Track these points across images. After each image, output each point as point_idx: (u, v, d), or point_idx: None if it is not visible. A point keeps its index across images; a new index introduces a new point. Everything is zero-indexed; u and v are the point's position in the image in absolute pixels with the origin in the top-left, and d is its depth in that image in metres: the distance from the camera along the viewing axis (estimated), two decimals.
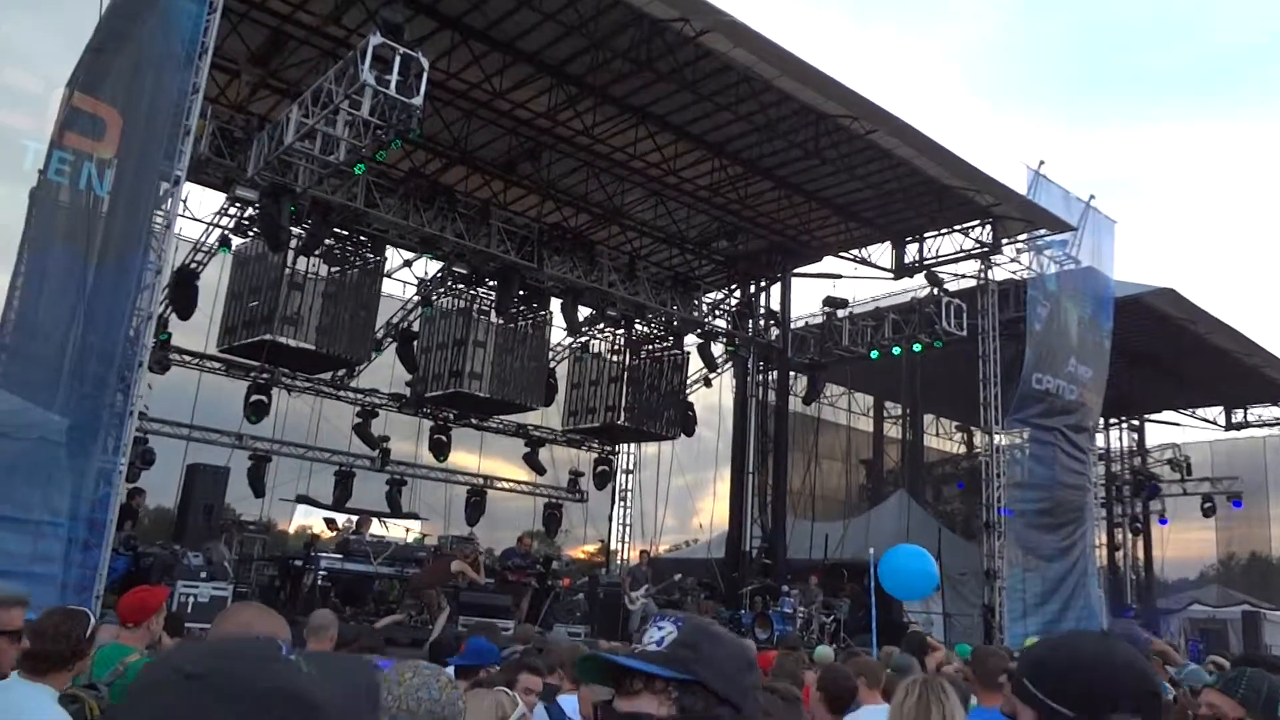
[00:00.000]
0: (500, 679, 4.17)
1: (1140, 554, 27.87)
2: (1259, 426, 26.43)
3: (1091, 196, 18.23)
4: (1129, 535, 27.67)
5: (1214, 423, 26.86)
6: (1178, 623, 24.91)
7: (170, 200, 9.76)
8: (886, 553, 9.05)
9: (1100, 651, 1.68)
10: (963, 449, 28.26)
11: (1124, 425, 28.05)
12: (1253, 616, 23.61)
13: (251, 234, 16.13)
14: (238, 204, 15.81)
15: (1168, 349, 22.19)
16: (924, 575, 8.67)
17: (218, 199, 16.15)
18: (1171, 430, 27.78)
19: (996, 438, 17.79)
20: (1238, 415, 26.50)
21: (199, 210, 16.47)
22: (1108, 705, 1.61)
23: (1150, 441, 28.30)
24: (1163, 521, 27.56)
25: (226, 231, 16.40)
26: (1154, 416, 27.79)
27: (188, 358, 17.96)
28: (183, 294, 16.42)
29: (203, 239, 16.83)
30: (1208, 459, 27.37)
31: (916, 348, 18.21)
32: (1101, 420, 23.56)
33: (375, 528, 15.48)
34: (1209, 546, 29.27)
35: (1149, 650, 5.42)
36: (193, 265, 16.78)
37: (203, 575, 11.13)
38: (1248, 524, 27.73)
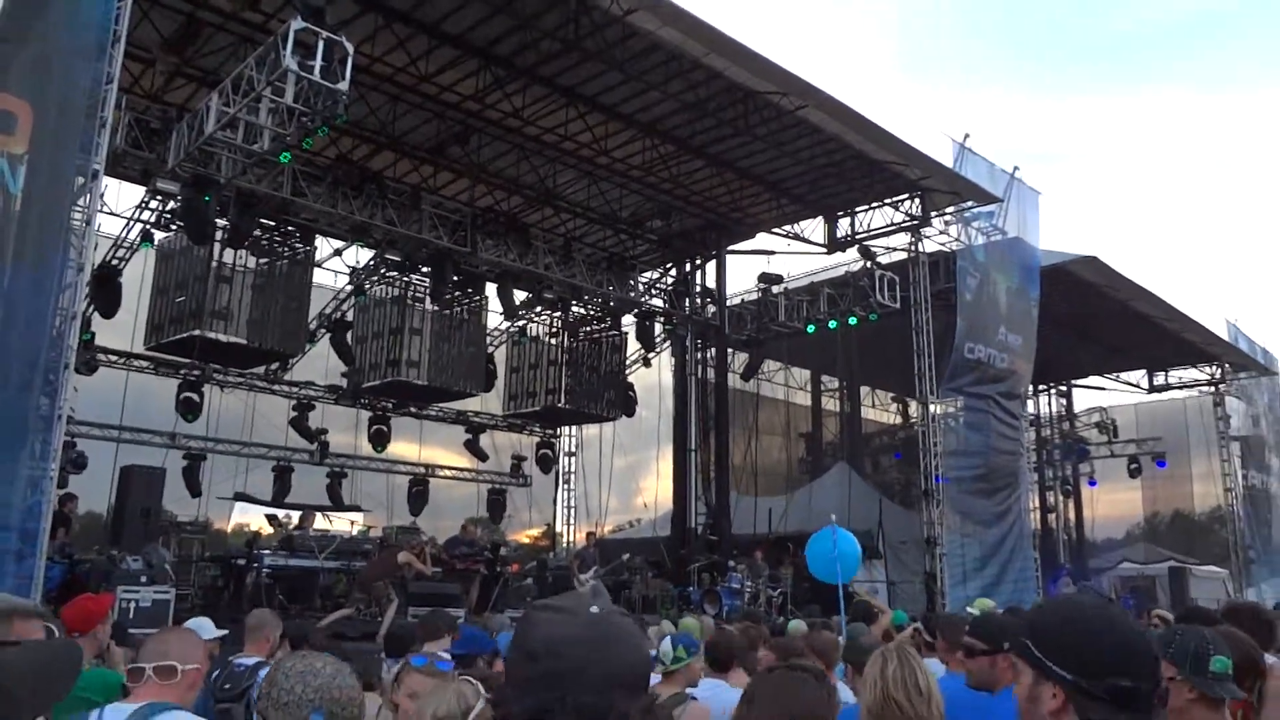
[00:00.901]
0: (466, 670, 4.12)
1: (1071, 515, 28.69)
2: (1179, 388, 27.28)
3: (1016, 168, 18.60)
4: (1060, 497, 28.46)
5: (1138, 386, 27.67)
6: (1108, 581, 25.67)
7: (88, 195, 9.42)
8: (810, 539, 8.88)
9: (1104, 619, 1.72)
10: (899, 419, 28.73)
11: (1053, 391, 28.80)
12: (1178, 572, 24.46)
13: (174, 228, 15.69)
14: (159, 197, 15.34)
15: (1093, 315, 22.74)
16: (848, 558, 8.52)
17: (138, 193, 15.66)
18: (1098, 394, 28.63)
19: (931, 407, 18.13)
20: (1159, 378, 27.31)
21: (118, 205, 15.94)
22: (1107, 670, 1.66)
23: (1078, 406, 29.14)
24: (1092, 483, 28.41)
25: (148, 226, 15.92)
26: (1081, 381, 28.55)
27: (114, 357, 17.48)
28: (105, 292, 15.92)
29: (124, 234, 16.31)
30: (1133, 421, 28.22)
31: (852, 321, 18.45)
32: (1031, 386, 24.13)
33: (319, 522, 15.27)
34: (1136, 506, 30.23)
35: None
36: (114, 262, 16.28)
37: (143, 579, 10.86)
38: (1171, 483, 28.66)
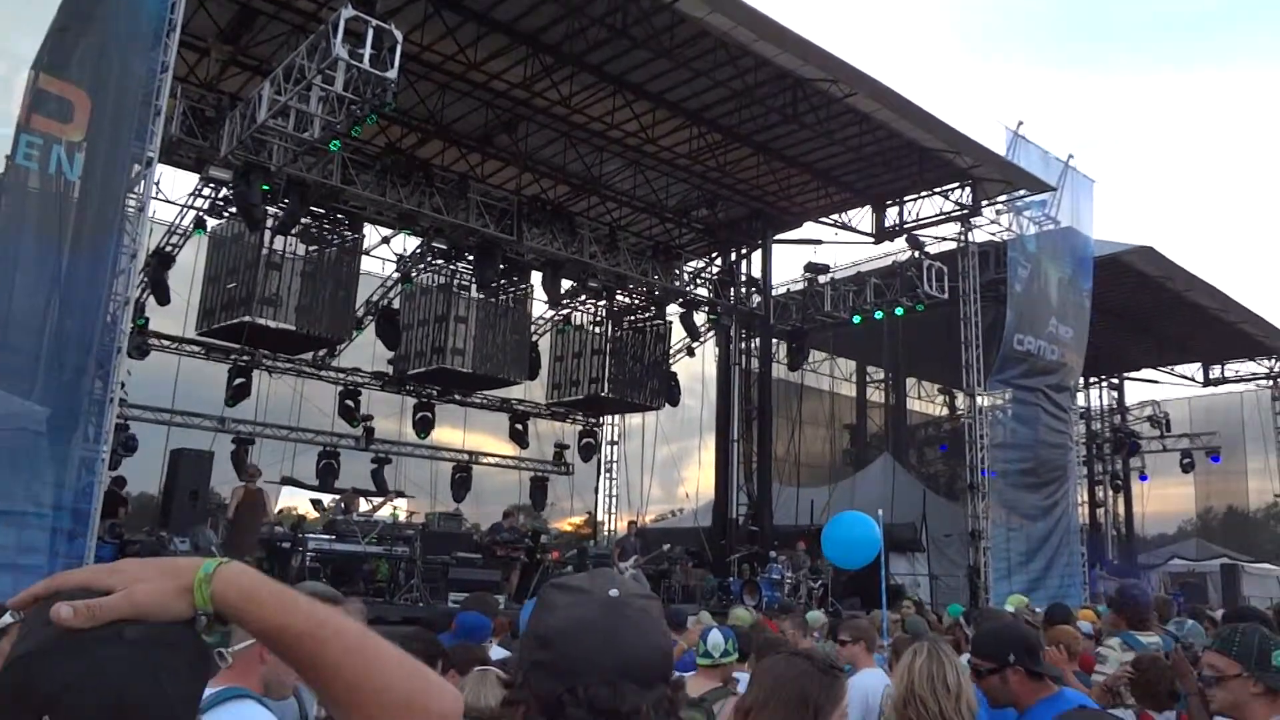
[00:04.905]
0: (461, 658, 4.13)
1: (1121, 510, 28.21)
2: (1236, 382, 26.72)
3: (1070, 156, 18.31)
4: (1110, 492, 27.99)
5: (1192, 379, 27.13)
6: (1158, 577, 25.23)
7: (143, 182, 9.59)
8: (828, 524, 8.78)
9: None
10: (945, 411, 28.42)
11: (1104, 384, 28.30)
12: (1231, 569, 23.95)
13: (227, 215, 15.92)
14: (212, 185, 15.58)
15: (1147, 307, 22.34)
16: (865, 543, 8.36)
17: (191, 180, 15.91)
18: (1151, 388, 28.09)
19: (979, 399, 17.88)
20: (1215, 371, 26.76)
21: (173, 192, 16.23)
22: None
23: (1130, 399, 28.62)
24: (1143, 478, 27.89)
25: (201, 213, 16.17)
26: (1133, 374, 28.04)
27: (166, 342, 17.78)
28: (160, 278, 16.21)
29: (177, 221, 16.59)
30: (1186, 415, 27.66)
31: (898, 311, 18.22)
32: (1082, 379, 23.72)
33: (363, 506, 15.40)
34: (1188, 501, 29.68)
35: (1149, 603, 5.52)
36: (168, 248, 16.56)
37: None
38: (1225, 478, 28.06)
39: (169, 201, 16.13)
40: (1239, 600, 19.92)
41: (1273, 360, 25.40)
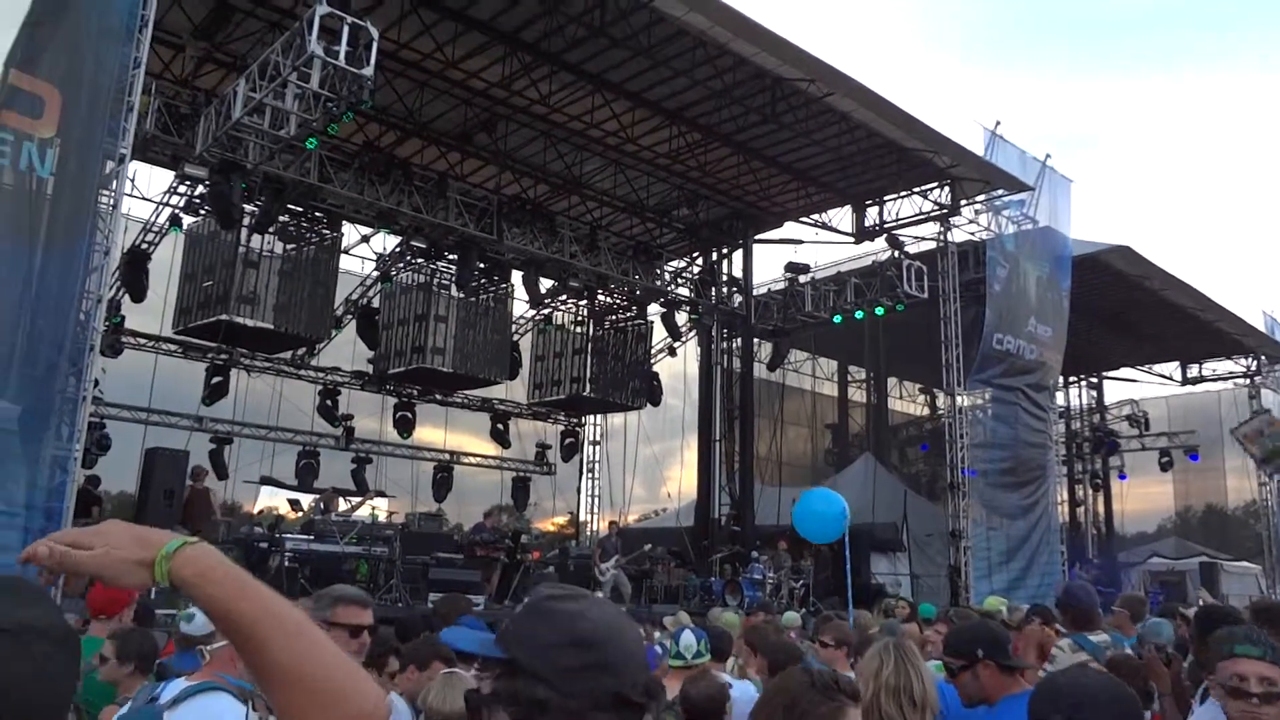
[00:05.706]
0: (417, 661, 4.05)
1: (1101, 509, 28.35)
2: (1213, 380, 26.88)
3: (1048, 156, 18.36)
4: (1090, 491, 28.11)
5: (1170, 378, 27.28)
6: (1137, 575, 25.37)
7: (116, 179, 9.51)
8: (800, 499, 9.10)
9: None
10: (926, 411, 28.51)
11: (1083, 383, 28.44)
12: (1209, 567, 24.08)
13: (203, 212, 15.81)
14: (187, 182, 15.48)
15: (1125, 306, 22.45)
16: (833, 519, 8.58)
17: (167, 177, 15.82)
18: (1129, 386, 28.26)
19: (959, 399, 17.92)
20: (1193, 370, 26.92)
21: (148, 189, 16.12)
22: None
23: (1109, 398, 28.76)
24: (1122, 477, 28.04)
25: (177, 210, 16.07)
26: (1112, 373, 28.19)
27: (142, 340, 17.65)
28: (135, 275, 16.10)
29: (153, 219, 16.48)
30: (1165, 414, 27.83)
31: (879, 311, 18.24)
32: (1061, 378, 23.84)
33: (342, 506, 15.33)
34: (1167, 500, 29.87)
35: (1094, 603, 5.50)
36: (144, 246, 16.44)
37: None
38: (1203, 477, 28.25)
39: (144, 199, 16.04)
40: (1218, 599, 20.00)
41: (1249, 359, 25.56)
